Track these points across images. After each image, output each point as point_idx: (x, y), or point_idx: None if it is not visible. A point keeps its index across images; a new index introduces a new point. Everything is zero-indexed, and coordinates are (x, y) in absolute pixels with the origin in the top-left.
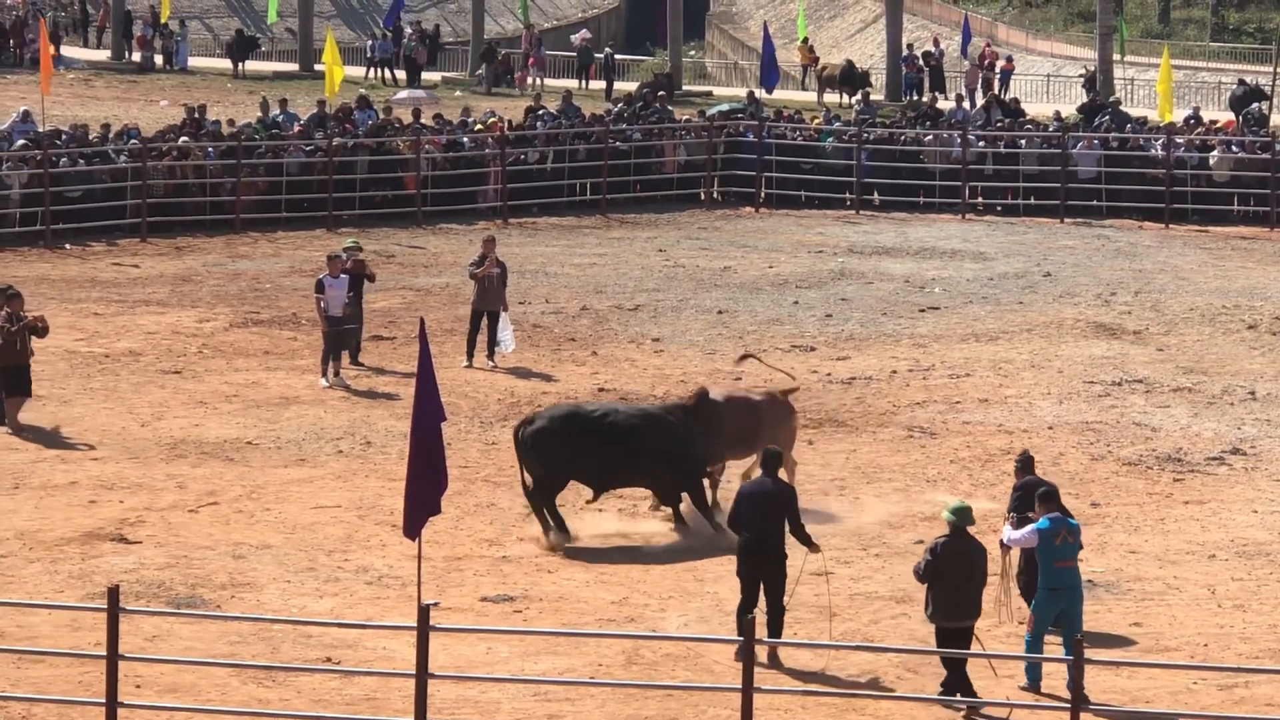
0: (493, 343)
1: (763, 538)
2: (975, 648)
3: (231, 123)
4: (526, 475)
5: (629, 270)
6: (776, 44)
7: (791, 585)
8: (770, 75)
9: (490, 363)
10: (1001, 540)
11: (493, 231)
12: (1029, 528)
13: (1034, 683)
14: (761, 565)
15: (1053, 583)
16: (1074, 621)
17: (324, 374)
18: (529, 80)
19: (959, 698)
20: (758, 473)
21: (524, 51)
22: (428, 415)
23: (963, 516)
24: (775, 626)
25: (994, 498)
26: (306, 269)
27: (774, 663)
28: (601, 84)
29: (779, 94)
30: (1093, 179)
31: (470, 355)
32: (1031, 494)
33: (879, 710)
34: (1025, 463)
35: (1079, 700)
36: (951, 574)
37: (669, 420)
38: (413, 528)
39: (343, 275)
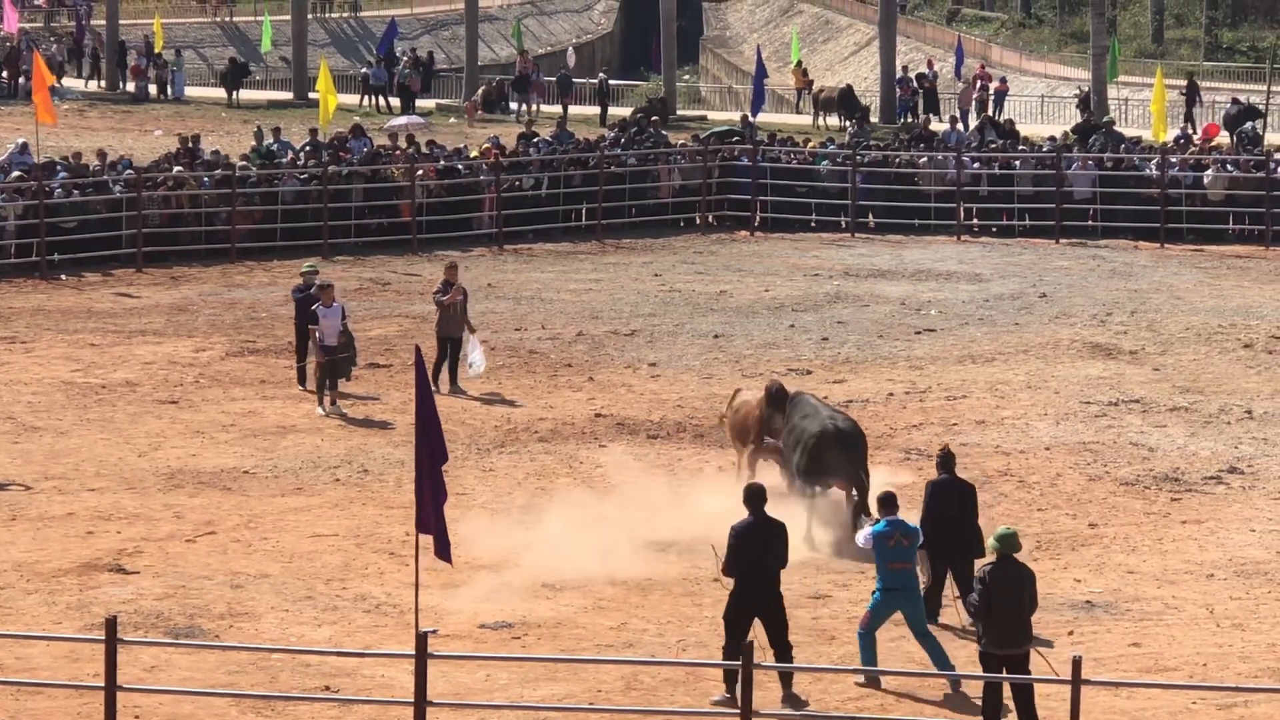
0: (455, 368)
1: (763, 575)
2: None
3: (230, 161)
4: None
5: (625, 295)
6: (771, 67)
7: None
8: (756, 102)
9: (454, 387)
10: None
11: (454, 258)
12: (866, 530)
13: (871, 679)
14: (761, 605)
15: (888, 583)
16: (917, 620)
17: (320, 403)
18: (526, 106)
19: None
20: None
21: (516, 77)
22: (428, 452)
23: (1008, 544)
24: (785, 656)
25: (991, 519)
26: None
27: (794, 703)
28: (584, 109)
29: (774, 117)
30: (1088, 199)
31: (435, 382)
32: (943, 493)
33: None
34: (945, 459)
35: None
36: (1003, 602)
37: None
38: (442, 550)
39: (335, 304)
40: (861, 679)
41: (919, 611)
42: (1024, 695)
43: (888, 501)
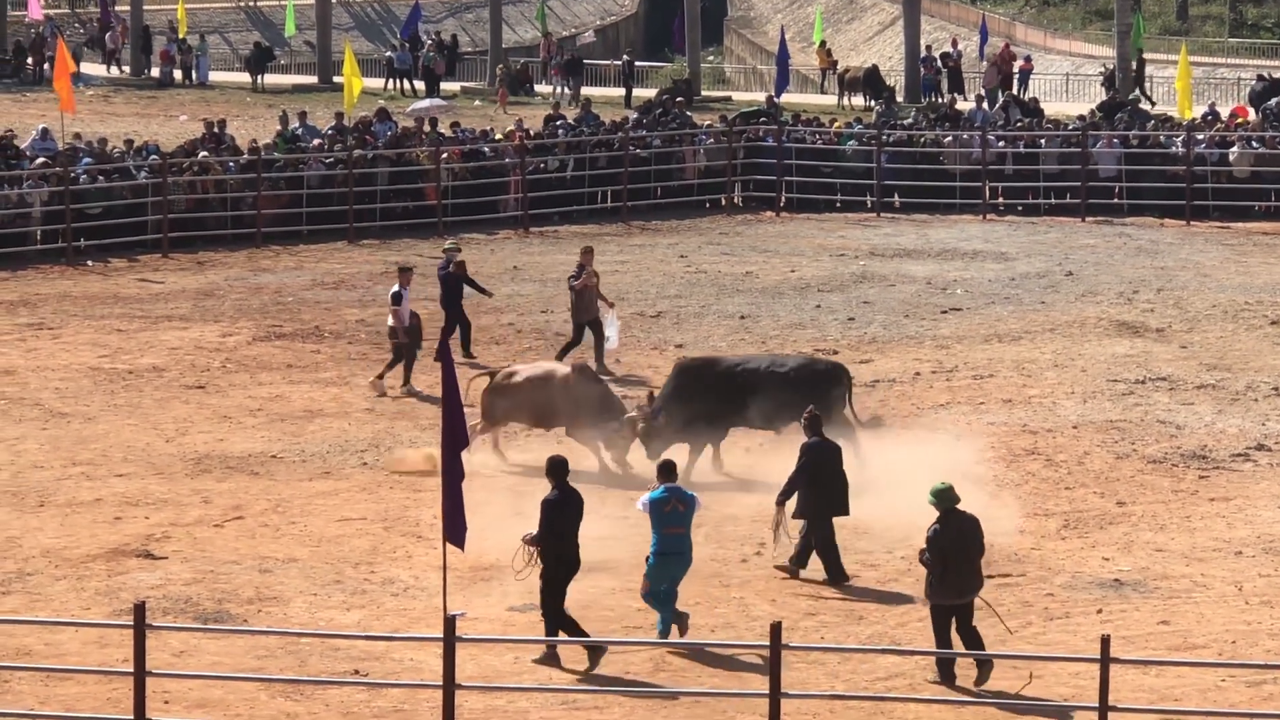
0: (600, 350)
1: (573, 544)
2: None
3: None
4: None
5: (651, 277)
6: (795, 48)
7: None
8: (780, 81)
9: (600, 366)
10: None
11: (589, 241)
12: (644, 495)
13: (677, 623)
14: (572, 571)
15: (663, 548)
16: (674, 583)
17: (406, 381)
18: (552, 89)
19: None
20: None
21: (543, 60)
22: (450, 436)
23: (945, 498)
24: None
25: (1019, 497)
26: (328, 281)
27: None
28: (600, 90)
29: (799, 97)
30: (1113, 177)
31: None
32: (814, 457)
33: (907, 713)
34: (812, 422)
35: (1106, 699)
36: (953, 553)
37: None
38: (456, 536)
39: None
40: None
41: (682, 574)
42: (971, 635)
43: (666, 469)
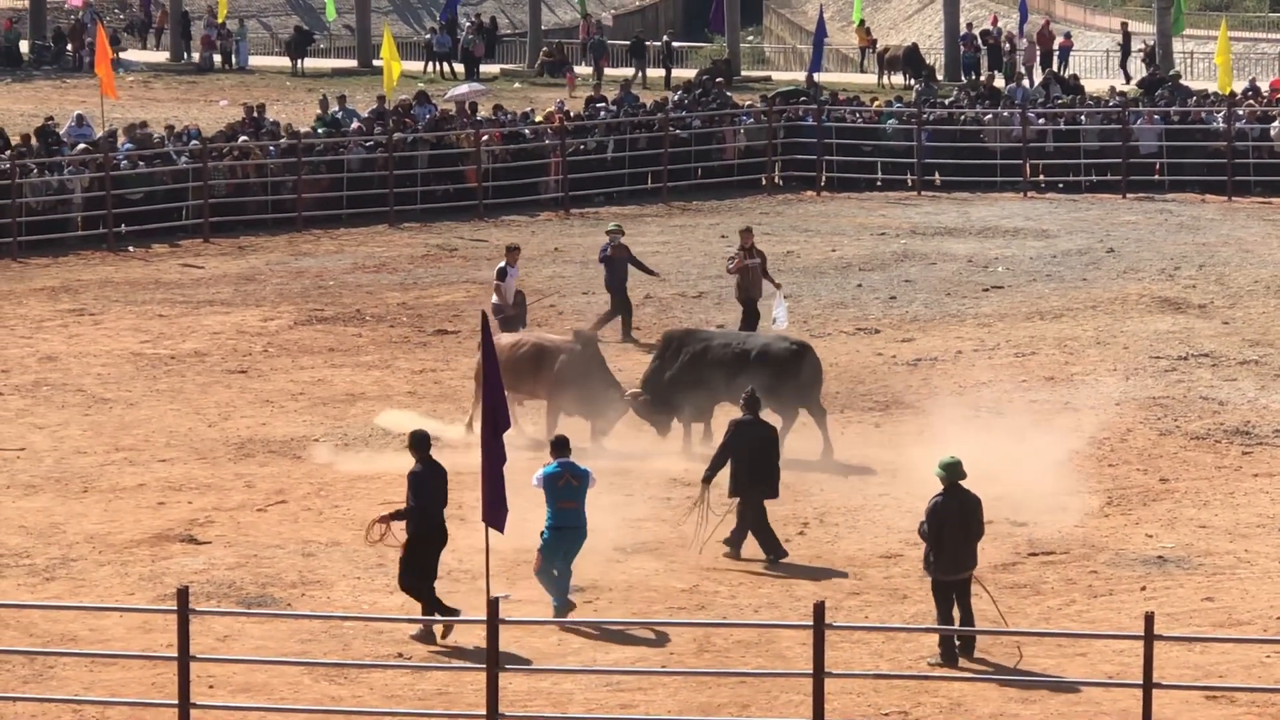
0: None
1: (436, 518)
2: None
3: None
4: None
5: (692, 257)
6: (834, 27)
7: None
8: (815, 60)
9: None
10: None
11: (749, 222)
12: (539, 471)
13: (560, 608)
14: (437, 546)
15: (557, 522)
16: (571, 555)
17: None
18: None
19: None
20: None
21: (582, 41)
22: (491, 418)
23: (953, 471)
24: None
25: (1062, 476)
26: (369, 265)
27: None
28: (617, 71)
29: (838, 76)
30: (1154, 153)
31: None
32: (735, 435)
33: (951, 691)
34: (750, 401)
35: (1150, 676)
36: (951, 528)
37: None
38: (496, 519)
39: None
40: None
41: (577, 549)
42: (965, 611)
43: (560, 444)
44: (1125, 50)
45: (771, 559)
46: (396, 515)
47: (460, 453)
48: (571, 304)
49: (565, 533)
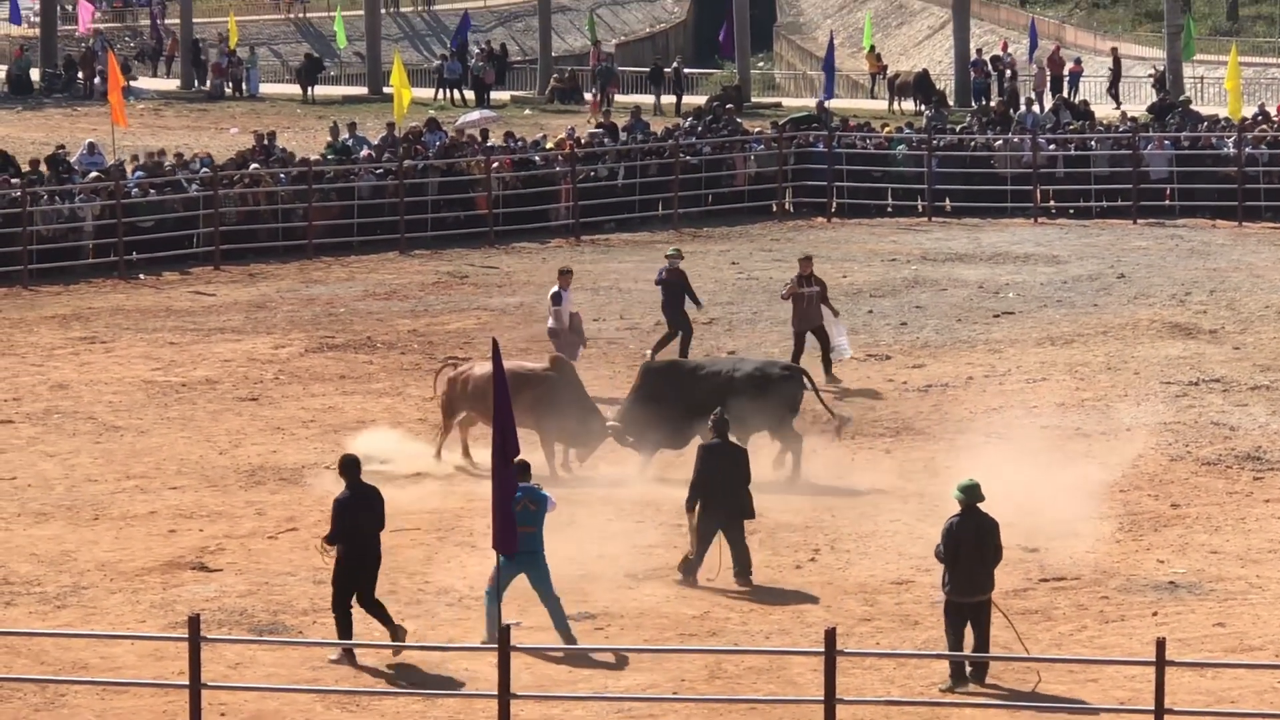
0: (827, 358)
1: (365, 540)
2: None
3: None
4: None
5: (702, 284)
6: (844, 53)
7: None
8: (827, 87)
9: (825, 379)
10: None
11: (809, 251)
12: None
13: (491, 633)
14: (363, 566)
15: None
16: (541, 582)
17: None
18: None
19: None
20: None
21: (592, 69)
22: (500, 445)
23: (971, 494)
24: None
25: (1075, 502)
26: (380, 292)
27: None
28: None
29: (849, 103)
30: (1164, 179)
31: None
32: (704, 459)
33: (963, 717)
34: (719, 424)
35: (1162, 702)
36: (968, 551)
37: None
38: (505, 544)
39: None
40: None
41: (542, 574)
42: (981, 637)
43: (520, 470)
44: (1115, 75)
45: (685, 574)
46: (326, 539)
47: (451, 482)
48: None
49: (521, 556)
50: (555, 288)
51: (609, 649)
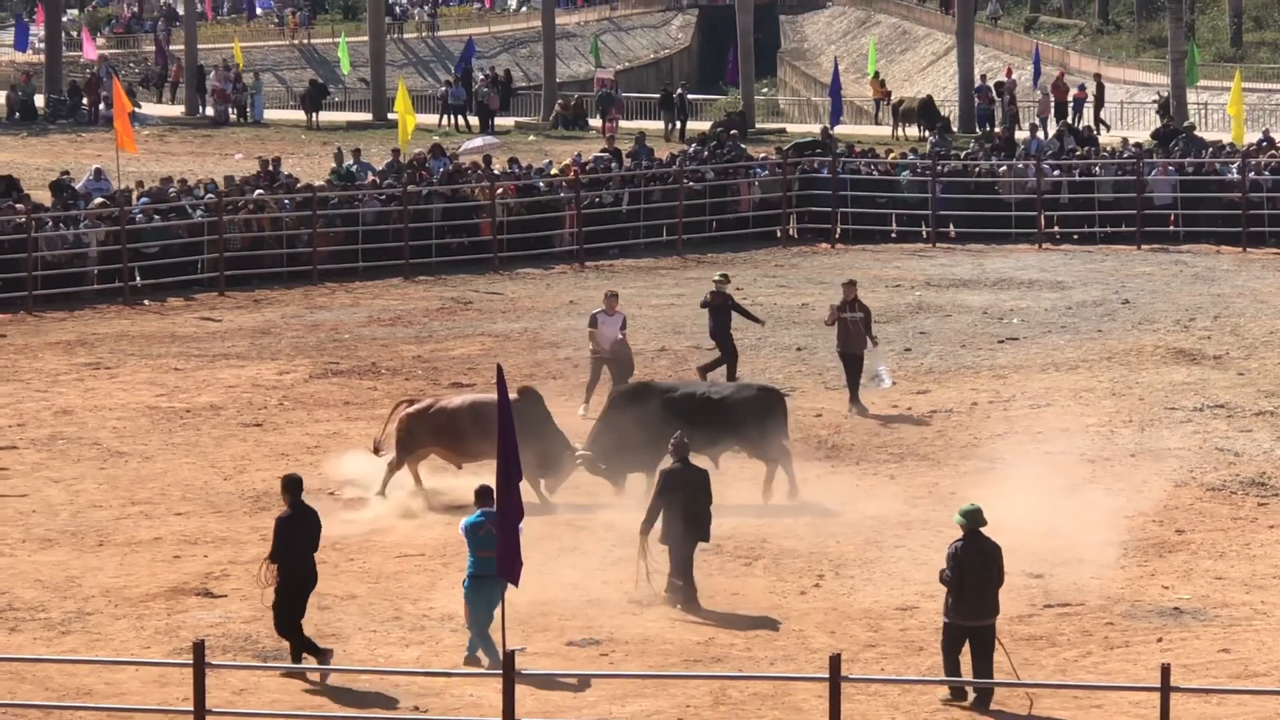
0: (855, 386)
1: (304, 559)
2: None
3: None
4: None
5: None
6: (849, 79)
7: None
8: (834, 114)
9: (854, 408)
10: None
11: (853, 276)
12: (462, 520)
13: (494, 658)
14: (307, 586)
15: (477, 570)
16: (490, 606)
17: (586, 401)
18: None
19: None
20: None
21: (595, 95)
22: (505, 471)
23: (973, 519)
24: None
25: (1081, 527)
26: (384, 318)
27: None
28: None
29: (853, 129)
30: (1168, 205)
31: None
32: (665, 483)
33: None
34: (679, 447)
35: None
36: (973, 575)
37: None
38: (509, 572)
39: (618, 314)
40: (948, 695)
41: (497, 600)
42: (985, 663)
43: (483, 494)
44: (1099, 101)
45: (685, 603)
46: (269, 557)
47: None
48: (586, 356)
49: (485, 581)
50: (596, 309)
51: (613, 675)
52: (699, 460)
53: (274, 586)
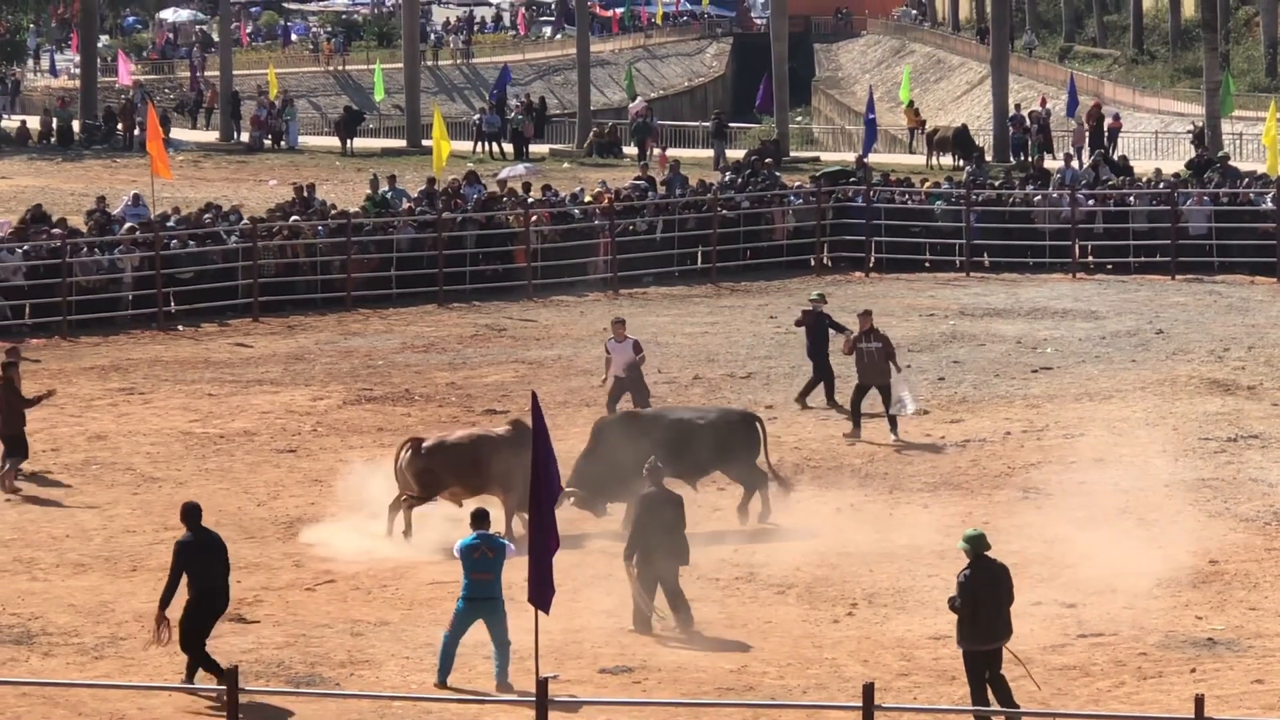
0: (891, 414)
1: (211, 584)
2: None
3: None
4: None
5: (740, 338)
6: (883, 107)
7: None
8: (866, 142)
9: (893, 436)
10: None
11: (869, 306)
12: (457, 542)
13: (443, 678)
14: (214, 612)
15: (471, 593)
16: (497, 628)
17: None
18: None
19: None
20: None
21: (630, 122)
22: (542, 498)
23: (978, 544)
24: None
25: (1110, 558)
26: (418, 344)
27: None
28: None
29: (887, 157)
30: (1203, 235)
31: (855, 426)
32: (643, 508)
33: None
34: (654, 471)
35: None
36: (983, 600)
37: None
38: (541, 599)
39: (627, 340)
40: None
41: (499, 619)
42: (1000, 682)
43: (479, 517)
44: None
45: (680, 624)
46: (162, 604)
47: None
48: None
49: (478, 604)
50: (609, 339)
51: (646, 702)
52: (677, 486)
53: (184, 606)
